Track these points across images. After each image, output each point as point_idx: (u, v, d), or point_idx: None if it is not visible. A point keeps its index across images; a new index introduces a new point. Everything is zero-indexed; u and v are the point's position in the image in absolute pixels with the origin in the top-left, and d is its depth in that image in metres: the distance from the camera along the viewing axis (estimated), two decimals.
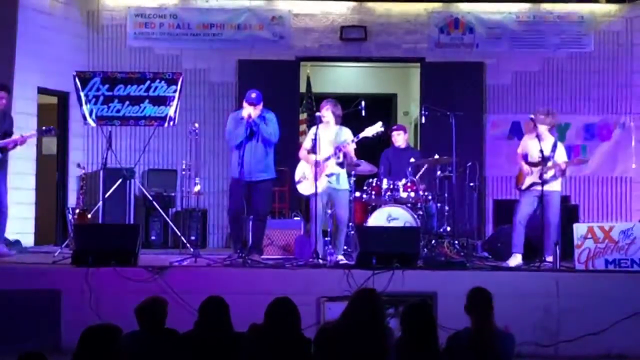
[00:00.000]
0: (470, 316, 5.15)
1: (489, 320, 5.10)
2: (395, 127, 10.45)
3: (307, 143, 8.78)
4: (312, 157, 8.51)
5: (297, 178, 8.82)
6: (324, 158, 8.47)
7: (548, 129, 8.78)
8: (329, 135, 8.60)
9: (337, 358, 4.94)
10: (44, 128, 9.44)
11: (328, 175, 8.44)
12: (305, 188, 8.70)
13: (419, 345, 4.93)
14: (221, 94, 12.42)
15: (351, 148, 8.56)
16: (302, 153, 8.82)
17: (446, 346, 5.11)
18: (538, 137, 8.62)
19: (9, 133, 8.83)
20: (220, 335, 5.00)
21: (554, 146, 8.75)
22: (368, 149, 10.08)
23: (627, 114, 12.43)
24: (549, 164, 8.57)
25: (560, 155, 8.78)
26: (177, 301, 6.83)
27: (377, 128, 8.50)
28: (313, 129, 8.72)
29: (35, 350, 4.01)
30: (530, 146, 8.79)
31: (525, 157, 8.81)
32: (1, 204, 8.76)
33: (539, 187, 8.54)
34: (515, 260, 8.66)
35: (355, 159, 8.69)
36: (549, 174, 8.58)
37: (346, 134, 8.62)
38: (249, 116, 8.43)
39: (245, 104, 8.54)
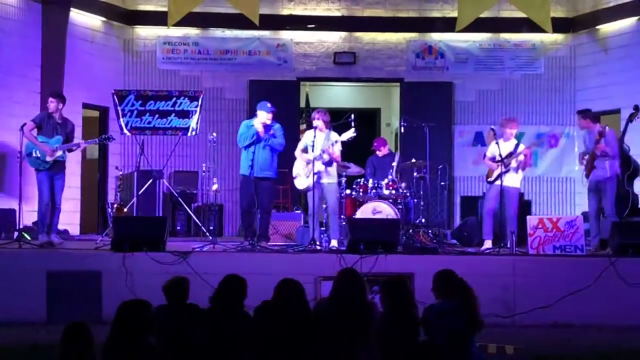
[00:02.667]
0: (440, 295, 5.10)
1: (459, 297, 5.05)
2: (377, 143, 10.31)
3: (301, 144, 8.74)
4: (305, 155, 8.50)
5: (294, 174, 8.75)
6: (313, 158, 8.38)
7: (509, 135, 8.79)
8: (320, 139, 8.49)
9: (329, 328, 4.90)
10: (103, 136, 9.38)
11: (315, 173, 8.38)
12: (299, 183, 8.66)
13: (398, 315, 4.88)
14: (235, 109, 12.40)
15: (336, 149, 8.47)
16: (297, 152, 8.74)
17: (422, 317, 5.08)
18: (497, 144, 8.64)
19: (70, 137, 8.73)
20: (234, 308, 4.92)
21: (516, 146, 8.73)
22: (357, 154, 10.06)
23: (571, 125, 12.37)
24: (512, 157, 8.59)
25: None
26: (198, 280, 6.76)
27: (350, 134, 8.45)
28: (310, 133, 8.64)
29: (79, 321, 3.98)
30: (494, 150, 8.81)
31: (493, 159, 8.82)
32: (57, 201, 8.61)
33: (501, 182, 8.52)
34: (487, 244, 8.69)
35: (338, 157, 8.59)
36: (513, 163, 8.56)
37: (333, 136, 8.52)
38: (263, 129, 8.42)
39: (262, 113, 8.52)
